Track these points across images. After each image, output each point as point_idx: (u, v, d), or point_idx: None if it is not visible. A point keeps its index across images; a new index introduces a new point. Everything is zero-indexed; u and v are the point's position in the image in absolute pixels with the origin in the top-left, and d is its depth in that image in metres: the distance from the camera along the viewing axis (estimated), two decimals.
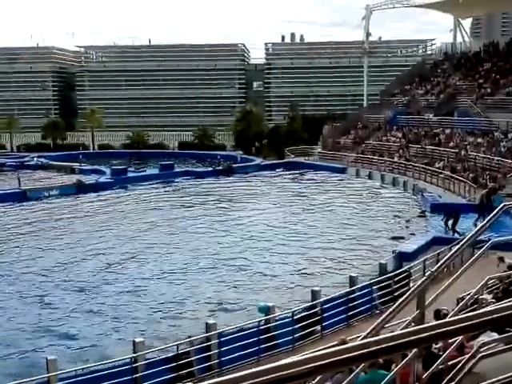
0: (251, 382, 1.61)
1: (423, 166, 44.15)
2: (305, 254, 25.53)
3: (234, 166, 54.85)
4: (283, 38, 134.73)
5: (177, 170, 53.46)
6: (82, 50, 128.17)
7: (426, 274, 4.69)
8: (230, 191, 43.96)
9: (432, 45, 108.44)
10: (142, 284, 21.90)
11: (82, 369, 12.89)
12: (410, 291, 4.55)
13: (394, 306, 4.46)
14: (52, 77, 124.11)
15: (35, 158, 62.51)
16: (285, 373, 1.60)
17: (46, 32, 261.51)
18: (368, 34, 68.39)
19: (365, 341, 1.79)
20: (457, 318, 1.92)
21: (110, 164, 55.75)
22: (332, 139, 59.66)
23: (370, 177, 47.04)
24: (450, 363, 5.43)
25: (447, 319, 1.99)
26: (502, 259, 15.29)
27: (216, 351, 13.87)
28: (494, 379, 4.35)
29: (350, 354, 1.71)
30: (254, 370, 1.62)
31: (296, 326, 15.12)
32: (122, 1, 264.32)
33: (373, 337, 4.34)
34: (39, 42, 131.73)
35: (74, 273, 23.44)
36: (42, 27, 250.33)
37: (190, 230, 30.71)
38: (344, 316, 16.28)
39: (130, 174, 50.57)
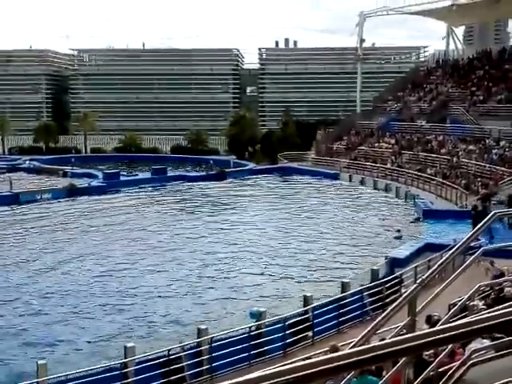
0: None
1: (416, 172, 44.31)
2: (296, 259, 25.53)
3: (227, 170, 54.84)
4: (277, 43, 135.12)
5: (169, 174, 53.37)
6: (76, 53, 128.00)
7: (418, 280, 4.69)
8: (222, 196, 43.93)
9: (425, 52, 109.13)
10: (133, 289, 21.82)
11: (72, 373, 12.80)
12: (402, 298, 4.54)
13: (385, 313, 4.44)
14: (45, 80, 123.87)
15: (27, 161, 62.25)
16: (273, 381, 1.58)
17: (40, 35, 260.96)
18: (362, 41, 68.55)
19: (355, 349, 1.77)
20: (448, 326, 1.91)
21: (102, 168, 55.64)
22: (325, 145, 59.77)
23: (362, 183, 47.15)
24: (440, 370, 5.43)
25: (439, 327, 1.98)
26: (492, 263, 15.43)
27: (207, 356, 13.82)
28: None
29: (340, 362, 1.70)
30: (239, 379, 1.60)
31: (287, 332, 15.09)
32: (117, 5, 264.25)
33: (364, 343, 4.33)
34: (33, 44, 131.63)
35: (63, 277, 23.35)
36: (37, 30, 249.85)
37: (181, 235, 30.64)
38: (335, 322, 16.26)
39: (123, 178, 50.43)
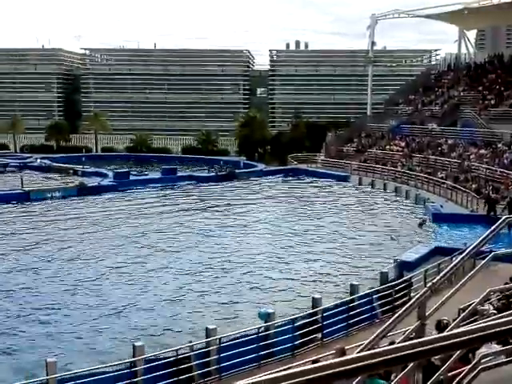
0: None
1: (426, 175, 44.14)
2: (306, 261, 25.50)
3: (237, 171, 54.88)
4: (288, 45, 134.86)
5: (179, 174, 53.47)
6: (88, 52, 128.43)
7: (427, 284, 4.69)
8: (231, 197, 43.94)
9: (437, 55, 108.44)
10: (142, 288, 21.90)
11: (81, 372, 12.86)
12: (411, 302, 4.54)
13: (395, 316, 4.45)
14: (57, 79, 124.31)
15: (38, 160, 62.58)
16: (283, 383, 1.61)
17: (52, 34, 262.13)
18: (373, 43, 68.38)
19: (365, 353, 1.79)
20: (458, 331, 1.92)
21: (112, 167, 55.86)
22: (335, 147, 59.68)
23: (372, 185, 47.01)
24: (450, 374, 5.42)
25: (448, 333, 1.99)
26: None
27: (216, 357, 13.84)
28: None
29: (350, 366, 1.72)
30: (250, 380, 1.62)
31: (296, 334, 15.09)
32: (129, 5, 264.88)
33: (373, 347, 4.34)
34: (45, 43, 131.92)
35: (70, 276, 23.48)
36: (49, 29, 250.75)
37: (190, 235, 30.68)
38: (344, 324, 16.24)
39: (133, 178, 50.58)
